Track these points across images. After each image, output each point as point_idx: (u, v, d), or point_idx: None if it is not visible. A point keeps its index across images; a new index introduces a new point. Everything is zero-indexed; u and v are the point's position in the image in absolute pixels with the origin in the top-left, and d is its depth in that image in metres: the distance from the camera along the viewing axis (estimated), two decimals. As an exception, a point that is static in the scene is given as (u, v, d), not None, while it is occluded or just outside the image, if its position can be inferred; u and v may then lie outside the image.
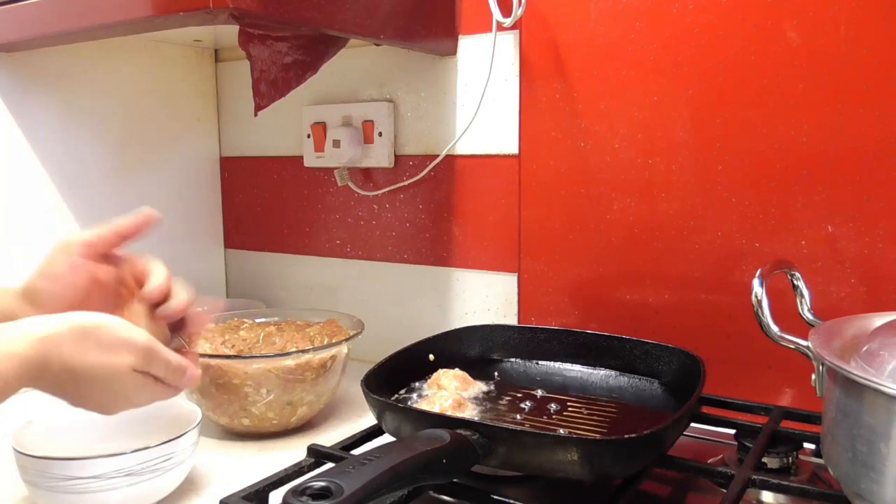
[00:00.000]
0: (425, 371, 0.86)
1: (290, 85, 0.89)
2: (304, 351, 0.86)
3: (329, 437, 0.86)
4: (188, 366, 0.60)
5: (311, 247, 1.24)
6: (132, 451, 0.65)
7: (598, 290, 0.96)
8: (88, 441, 0.74)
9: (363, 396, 0.71)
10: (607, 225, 0.95)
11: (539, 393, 0.83)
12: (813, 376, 0.62)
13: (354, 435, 0.75)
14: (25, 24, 0.91)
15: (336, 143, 1.12)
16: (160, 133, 1.23)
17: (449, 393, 0.79)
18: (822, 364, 0.61)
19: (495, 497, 0.61)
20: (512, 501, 0.60)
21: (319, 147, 1.16)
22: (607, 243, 0.95)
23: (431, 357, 0.88)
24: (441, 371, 0.84)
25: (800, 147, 0.82)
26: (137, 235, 0.65)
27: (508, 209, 1.02)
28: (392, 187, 1.12)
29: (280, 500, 0.49)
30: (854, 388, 0.55)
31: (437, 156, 1.07)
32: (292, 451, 0.81)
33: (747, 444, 0.72)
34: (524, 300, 1.02)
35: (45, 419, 0.74)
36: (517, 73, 0.99)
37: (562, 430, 0.72)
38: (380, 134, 1.11)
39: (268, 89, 0.86)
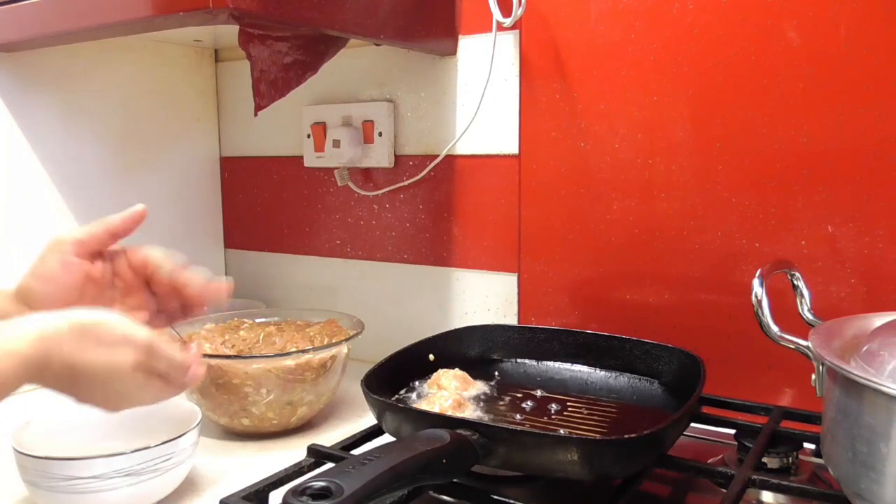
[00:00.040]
0: (425, 371, 0.86)
1: (290, 85, 0.89)
2: (304, 351, 0.86)
3: (329, 437, 0.86)
4: (191, 363, 0.60)
5: (311, 247, 1.24)
6: (132, 451, 0.65)
7: (598, 290, 0.96)
8: (88, 441, 0.74)
9: (363, 396, 0.71)
10: (607, 225, 0.95)
11: (539, 393, 0.83)
12: (813, 376, 0.62)
13: (354, 435, 0.75)
14: (25, 24, 0.91)
15: (336, 143, 1.12)
16: (160, 133, 1.23)
17: (449, 393, 0.79)
18: (822, 364, 0.61)
19: (495, 497, 0.61)
20: (512, 501, 0.60)
21: (319, 147, 1.16)
22: (607, 243, 0.95)
23: (431, 357, 0.88)
24: (441, 371, 0.84)
25: (800, 147, 0.82)
26: (129, 232, 0.65)
27: (508, 209, 1.02)
28: (392, 187, 1.12)
29: (280, 500, 0.49)
30: (854, 388, 0.55)
31: (437, 156, 1.07)
32: (292, 451, 0.81)
33: (747, 444, 0.72)
34: (524, 300, 1.02)
35: (45, 419, 0.74)
36: (517, 73, 0.99)
37: (562, 431, 0.72)
38: (380, 134, 1.11)
39: (268, 89, 0.86)
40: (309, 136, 1.18)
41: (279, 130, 1.24)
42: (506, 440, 0.62)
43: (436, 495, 0.67)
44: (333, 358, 0.88)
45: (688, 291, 0.90)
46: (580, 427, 0.73)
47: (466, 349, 0.93)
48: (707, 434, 0.82)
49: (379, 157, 1.11)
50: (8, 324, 0.52)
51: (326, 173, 1.19)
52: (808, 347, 0.61)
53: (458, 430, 0.61)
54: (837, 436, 0.57)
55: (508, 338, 0.94)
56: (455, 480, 0.62)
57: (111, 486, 0.65)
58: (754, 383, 0.86)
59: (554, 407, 0.79)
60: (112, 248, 0.66)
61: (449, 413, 0.74)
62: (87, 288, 0.63)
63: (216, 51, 1.30)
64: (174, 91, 1.24)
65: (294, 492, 0.48)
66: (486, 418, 0.76)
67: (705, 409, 0.80)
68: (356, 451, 0.70)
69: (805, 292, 0.72)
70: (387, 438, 0.70)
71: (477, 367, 0.88)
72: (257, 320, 1.01)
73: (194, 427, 0.71)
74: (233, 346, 0.90)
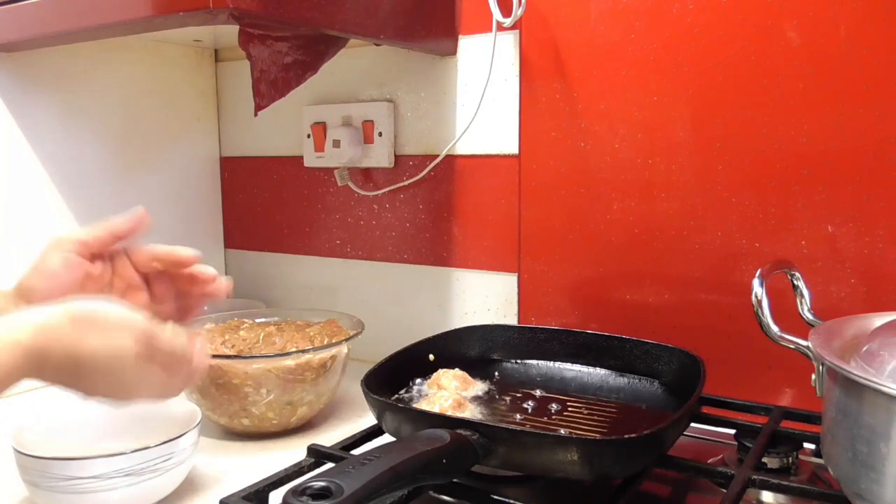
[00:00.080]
0: (425, 371, 0.86)
1: (290, 85, 0.89)
2: (304, 351, 0.86)
3: (329, 437, 0.86)
4: (194, 351, 0.59)
5: (311, 247, 1.24)
6: (132, 451, 0.65)
7: (598, 290, 0.96)
8: (88, 441, 0.74)
9: (363, 396, 0.71)
10: (607, 225, 0.95)
11: (539, 393, 0.83)
12: (813, 376, 0.62)
13: (354, 435, 0.75)
14: (25, 24, 0.91)
15: (336, 143, 1.12)
16: (160, 133, 1.23)
17: (449, 393, 0.79)
18: (822, 364, 0.61)
19: (495, 497, 0.61)
20: (512, 501, 0.60)
21: (319, 147, 1.16)
22: (607, 243, 0.95)
23: (431, 357, 0.88)
24: (441, 371, 0.84)
25: (800, 147, 0.82)
26: (131, 235, 0.65)
27: (508, 209, 1.02)
28: (392, 187, 1.12)
29: (280, 500, 0.49)
30: (854, 388, 0.55)
31: (437, 156, 1.07)
32: (292, 451, 0.81)
33: (747, 444, 0.72)
34: (524, 300, 1.02)
35: (45, 419, 0.74)
36: (517, 73, 0.99)
37: (562, 431, 0.72)
38: (380, 134, 1.11)
39: (268, 89, 0.86)
40: (309, 136, 1.18)
41: (279, 130, 1.24)
42: (506, 440, 0.62)
43: (436, 495, 0.67)
44: (333, 358, 0.88)
45: (688, 291, 0.90)
46: (580, 427, 0.73)
47: (466, 349, 0.93)
48: (707, 434, 0.82)
49: (379, 157, 1.11)
50: (6, 317, 0.52)
51: (326, 173, 1.19)
52: (808, 347, 0.61)
53: (458, 430, 0.61)
54: (837, 436, 0.57)
55: (508, 338, 0.94)
56: (455, 480, 0.62)
57: (111, 486, 0.65)
58: (754, 383, 0.86)
59: (554, 407, 0.79)
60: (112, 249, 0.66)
61: (449, 413, 0.74)
62: (88, 287, 0.63)
63: (216, 51, 1.30)
64: (174, 91, 1.24)
65: (294, 492, 0.48)
66: (486, 418, 0.76)
67: (705, 409, 0.80)
68: (356, 451, 0.70)
69: (805, 292, 0.72)
70: (387, 438, 0.70)
71: (477, 367, 0.88)
72: (257, 320, 1.01)
73: (194, 427, 0.71)
74: (233, 346, 0.90)
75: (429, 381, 0.84)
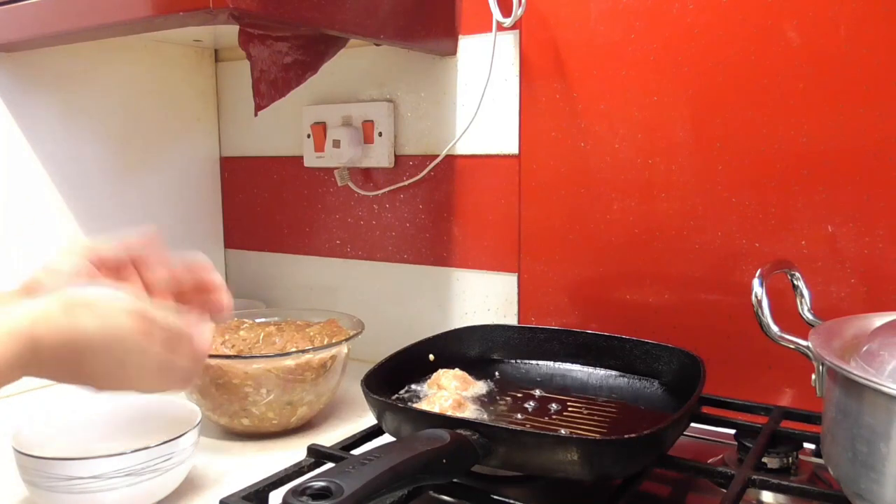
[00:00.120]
0: (425, 371, 0.86)
1: (290, 85, 0.89)
2: (304, 351, 0.86)
3: (329, 437, 0.86)
4: (193, 329, 0.58)
5: (311, 247, 1.24)
6: (132, 451, 0.65)
7: (598, 290, 0.96)
8: (88, 441, 0.74)
9: (363, 396, 0.71)
10: (607, 225, 0.95)
11: (539, 393, 0.83)
12: (813, 376, 0.62)
13: (354, 435, 0.75)
14: (25, 24, 0.91)
15: (336, 143, 1.12)
16: (160, 133, 1.23)
17: (449, 393, 0.79)
18: (822, 364, 0.61)
19: (495, 497, 0.61)
20: (512, 501, 0.60)
21: (319, 147, 1.16)
22: (607, 243, 0.95)
23: (431, 357, 0.88)
24: (441, 371, 0.84)
25: (800, 147, 0.82)
26: (143, 252, 0.64)
27: (508, 209, 1.02)
28: (392, 187, 1.12)
29: (280, 500, 0.49)
30: (854, 388, 0.55)
31: (437, 156, 1.07)
32: (292, 451, 0.81)
33: (747, 444, 0.72)
34: (524, 300, 1.02)
35: (45, 419, 0.74)
36: (517, 73, 0.99)
37: (562, 431, 0.72)
38: (380, 134, 1.11)
39: (268, 89, 0.86)
40: (309, 136, 1.18)
41: (279, 130, 1.24)
42: (506, 440, 0.62)
43: (436, 495, 0.67)
44: (333, 358, 0.88)
45: (688, 291, 0.90)
46: (580, 427, 0.73)
47: (466, 349, 0.93)
48: (707, 434, 0.82)
49: (379, 157, 1.11)
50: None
51: (326, 173, 1.19)
52: (808, 347, 0.61)
53: (458, 430, 0.61)
54: (837, 436, 0.57)
55: (508, 338, 0.94)
56: (455, 480, 0.62)
57: (111, 486, 0.65)
58: (754, 383, 0.86)
59: (554, 407, 0.79)
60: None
61: (449, 413, 0.74)
62: None
63: (216, 51, 1.30)
64: (174, 91, 1.24)
65: (294, 492, 0.48)
66: (486, 418, 0.76)
67: (705, 409, 0.80)
68: (356, 451, 0.70)
69: (805, 292, 0.72)
70: (387, 438, 0.70)
71: (477, 367, 0.88)
72: (257, 320, 1.01)
73: (194, 427, 0.71)
74: (233, 346, 0.90)
75: (429, 381, 0.84)
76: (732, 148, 0.86)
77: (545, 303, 1.01)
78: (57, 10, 0.88)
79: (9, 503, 0.71)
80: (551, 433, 0.70)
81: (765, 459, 0.71)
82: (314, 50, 0.91)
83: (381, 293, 1.16)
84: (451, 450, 0.58)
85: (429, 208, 1.10)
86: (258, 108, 0.86)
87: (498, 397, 0.82)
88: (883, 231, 0.79)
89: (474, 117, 1.02)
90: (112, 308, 0.54)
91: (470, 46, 1.03)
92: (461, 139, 1.05)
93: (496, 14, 0.96)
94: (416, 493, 0.66)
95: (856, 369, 0.54)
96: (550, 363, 0.91)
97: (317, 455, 0.70)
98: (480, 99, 1.01)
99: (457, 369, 0.84)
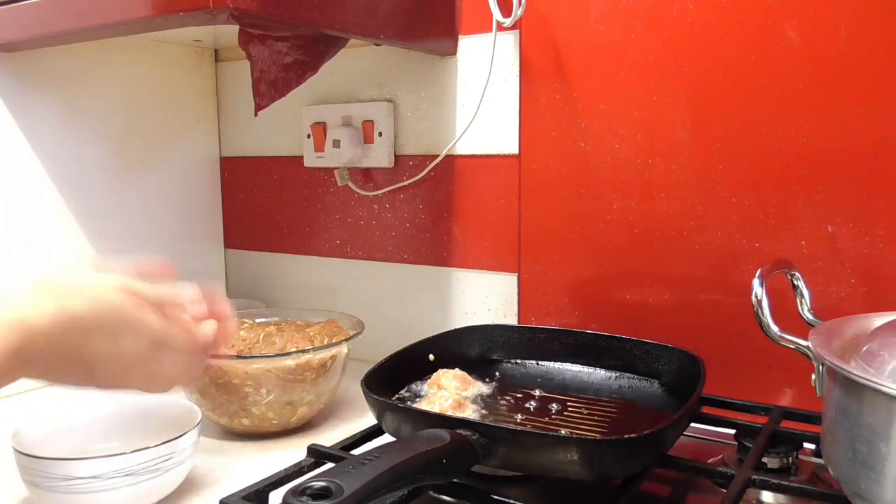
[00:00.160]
0: (425, 371, 0.86)
1: (290, 85, 0.89)
2: (304, 351, 0.86)
3: (329, 437, 0.86)
4: (184, 299, 0.57)
5: (311, 247, 1.24)
6: (132, 451, 0.65)
7: (598, 290, 0.96)
8: (88, 441, 0.74)
9: (363, 396, 0.71)
10: (607, 225, 0.95)
11: (539, 393, 0.83)
12: (813, 376, 0.62)
13: (354, 435, 0.75)
14: (25, 24, 0.91)
15: (336, 143, 1.12)
16: (160, 133, 1.23)
17: (449, 393, 0.79)
18: (822, 364, 0.61)
19: (495, 497, 0.61)
20: (512, 501, 0.60)
21: (319, 147, 1.16)
22: (607, 243, 0.95)
23: (431, 357, 0.88)
24: (441, 371, 0.84)
25: (800, 147, 0.82)
26: (157, 280, 0.61)
27: (508, 209, 1.02)
28: (392, 187, 1.12)
29: (280, 500, 0.49)
30: (854, 388, 0.55)
31: (437, 156, 1.07)
32: (292, 451, 0.81)
33: (747, 444, 0.72)
34: (524, 300, 1.02)
35: (45, 419, 0.74)
36: (517, 73, 0.99)
37: (563, 431, 0.72)
38: (380, 134, 1.11)
39: (268, 89, 0.86)
40: (309, 136, 1.18)
41: (279, 130, 1.24)
42: (506, 440, 0.62)
43: (436, 495, 0.67)
44: (333, 358, 0.88)
45: (688, 291, 0.90)
46: (580, 427, 0.73)
47: (466, 349, 0.93)
48: (707, 434, 0.82)
49: (379, 157, 1.11)
50: None
51: (326, 173, 1.19)
52: (808, 347, 0.61)
53: (458, 430, 0.61)
54: (837, 436, 0.57)
55: (508, 338, 0.94)
56: (455, 480, 0.62)
57: (111, 486, 0.65)
58: (754, 383, 0.86)
59: (554, 407, 0.79)
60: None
61: (449, 413, 0.74)
62: None
63: (216, 51, 1.30)
64: (174, 91, 1.24)
65: (294, 492, 0.48)
66: (486, 418, 0.76)
67: (705, 409, 0.80)
68: (356, 451, 0.70)
69: (805, 292, 0.72)
70: (387, 438, 0.70)
71: (477, 367, 0.88)
72: (257, 320, 1.01)
73: (194, 427, 0.71)
74: (233, 346, 0.90)
75: (429, 381, 0.84)
76: (732, 148, 0.86)
77: (545, 303, 1.01)
78: (57, 10, 0.88)
79: (9, 503, 0.71)
80: (551, 433, 0.70)
81: (765, 459, 0.71)
82: (314, 50, 0.91)
83: (381, 293, 1.16)
84: (451, 450, 0.58)
85: (429, 208, 1.10)
86: (258, 108, 0.86)
87: (498, 397, 0.82)
88: (883, 231, 0.79)
89: (474, 117, 1.02)
90: (99, 287, 0.53)
91: (470, 46, 1.03)
92: (461, 139, 1.05)
93: (496, 14, 0.96)
94: (416, 493, 0.66)
95: (856, 369, 0.54)
96: (550, 363, 0.91)
97: (317, 455, 0.70)
98: (480, 99, 1.01)
99: (457, 369, 0.84)
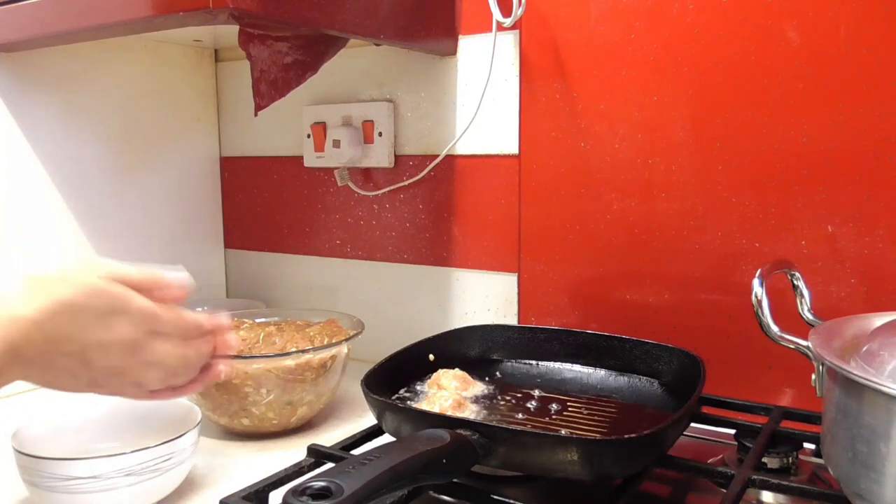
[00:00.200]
0: (425, 371, 0.86)
1: (290, 85, 0.89)
2: (304, 351, 0.86)
3: (329, 437, 0.86)
4: (169, 279, 0.56)
5: (311, 247, 1.24)
6: (132, 451, 0.65)
7: (598, 290, 0.96)
8: (88, 441, 0.74)
9: (363, 396, 0.71)
10: (607, 225, 0.95)
11: (539, 393, 0.83)
12: (813, 376, 0.62)
13: (354, 435, 0.75)
14: (25, 24, 0.91)
15: (336, 143, 1.12)
16: (160, 133, 1.23)
17: (449, 393, 0.79)
18: (822, 364, 0.61)
19: (495, 497, 0.61)
20: (512, 501, 0.60)
21: (319, 147, 1.16)
22: (607, 243, 0.95)
23: (431, 357, 0.88)
24: (441, 371, 0.84)
25: (800, 147, 0.82)
26: (171, 295, 0.59)
27: (508, 209, 1.02)
28: (392, 187, 1.12)
29: (280, 500, 0.49)
30: (854, 388, 0.55)
31: (437, 156, 1.07)
32: (292, 451, 0.81)
33: (747, 444, 0.72)
34: (524, 300, 1.02)
35: (45, 419, 0.74)
36: (517, 73, 0.99)
37: (563, 431, 0.72)
38: (380, 134, 1.11)
39: (268, 89, 0.86)
40: (309, 136, 1.18)
41: (279, 130, 1.24)
42: (506, 440, 0.62)
43: (436, 495, 0.67)
44: (333, 358, 0.88)
45: (688, 291, 0.90)
46: (580, 427, 0.73)
47: (466, 349, 0.93)
48: (707, 434, 0.82)
49: (379, 157, 1.11)
50: None
51: (326, 173, 1.19)
52: (808, 347, 0.61)
53: (458, 430, 0.61)
54: (837, 436, 0.57)
55: (508, 338, 0.94)
56: (455, 480, 0.62)
57: (111, 486, 0.65)
58: (754, 383, 0.86)
59: (554, 407, 0.79)
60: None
61: (449, 413, 0.74)
62: None
63: (216, 51, 1.30)
64: (174, 91, 1.24)
65: (294, 492, 0.48)
66: (486, 418, 0.76)
67: (705, 409, 0.80)
68: (356, 451, 0.70)
69: (805, 292, 0.72)
70: (387, 438, 0.70)
71: (477, 367, 0.88)
72: (257, 320, 1.01)
73: (194, 427, 0.71)
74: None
75: (429, 381, 0.84)
76: (732, 148, 0.86)
77: (545, 303, 1.01)
78: (57, 10, 0.88)
79: (9, 503, 0.71)
80: (551, 433, 0.70)
81: (765, 459, 0.71)
82: (314, 50, 0.91)
83: (381, 293, 1.16)
84: (451, 450, 0.58)
85: (429, 208, 1.10)
86: (258, 108, 0.86)
87: (498, 397, 0.82)
88: (883, 231, 0.79)
89: (474, 117, 1.02)
90: (85, 275, 0.53)
91: (470, 46, 1.03)
92: (461, 139, 1.05)
93: (496, 14, 0.96)
94: (416, 493, 0.66)
95: (856, 369, 0.54)
96: (550, 363, 0.91)
97: (317, 455, 0.70)
98: (480, 99, 1.01)
99: (457, 369, 0.84)
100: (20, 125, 1.04)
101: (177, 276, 0.59)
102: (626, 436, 0.61)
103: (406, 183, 1.11)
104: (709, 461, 0.74)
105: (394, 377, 0.82)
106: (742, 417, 0.78)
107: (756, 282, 0.67)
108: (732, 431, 0.77)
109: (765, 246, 0.85)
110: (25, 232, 1.05)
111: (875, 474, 0.53)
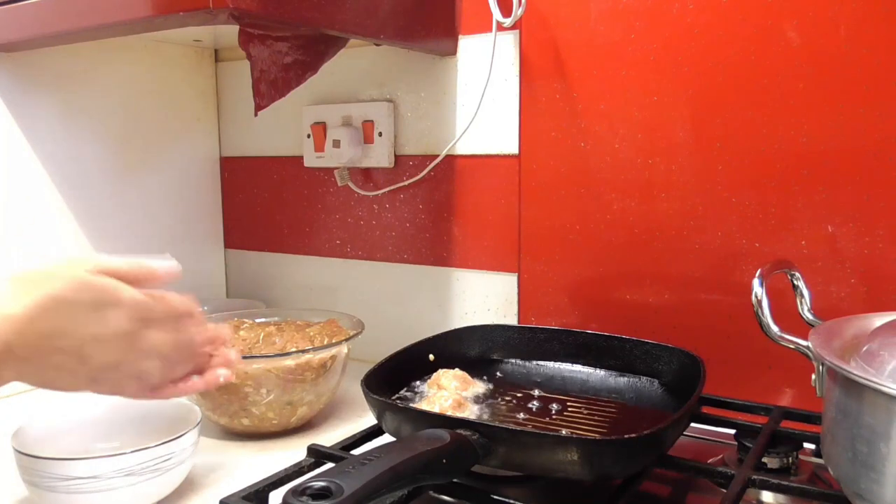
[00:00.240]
0: (425, 371, 0.86)
1: (290, 85, 0.89)
2: (304, 351, 0.86)
3: (329, 437, 0.86)
4: (157, 268, 0.56)
5: (311, 247, 1.24)
6: (132, 451, 0.65)
7: (598, 290, 0.96)
8: (88, 441, 0.74)
9: (363, 396, 0.71)
10: (607, 225, 0.95)
11: (539, 393, 0.83)
12: (813, 376, 0.62)
13: (354, 435, 0.75)
14: (25, 24, 0.91)
15: (336, 143, 1.12)
16: (160, 133, 1.23)
17: (449, 393, 0.79)
18: (822, 364, 0.61)
19: (495, 497, 0.61)
20: (512, 501, 0.60)
21: (319, 147, 1.16)
22: (607, 243, 0.95)
23: (431, 357, 0.88)
24: (441, 371, 0.84)
25: (800, 147, 0.82)
26: (159, 284, 0.60)
27: (508, 209, 1.02)
28: (392, 187, 1.12)
29: (280, 500, 0.49)
30: (854, 388, 0.55)
31: (437, 156, 1.07)
32: (292, 451, 0.81)
33: (747, 444, 0.72)
34: (524, 300, 1.02)
35: (44, 419, 0.74)
36: (517, 73, 0.99)
37: (563, 431, 0.72)
38: (380, 134, 1.11)
39: (268, 89, 0.86)
40: (309, 136, 1.18)
41: (279, 130, 1.24)
42: (506, 440, 0.62)
43: (436, 495, 0.67)
44: (333, 358, 0.88)
45: (688, 291, 0.90)
46: (580, 427, 0.73)
47: (466, 349, 0.93)
48: (707, 434, 0.82)
49: (379, 157, 1.11)
50: None
51: (326, 173, 1.19)
52: (808, 347, 0.61)
53: (458, 430, 0.61)
54: (837, 436, 0.57)
55: (508, 338, 0.94)
56: (455, 480, 0.62)
57: (111, 486, 0.65)
58: (754, 383, 0.86)
59: (554, 407, 0.79)
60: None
61: (449, 413, 0.74)
62: None
63: (216, 51, 1.30)
64: (174, 91, 1.24)
65: (294, 492, 0.48)
66: (486, 418, 0.76)
67: (705, 409, 0.80)
68: (356, 451, 0.70)
69: (805, 292, 0.72)
70: (387, 438, 0.70)
71: (477, 367, 0.88)
72: (257, 320, 1.01)
73: (194, 427, 0.71)
74: (233, 346, 0.90)
75: (429, 381, 0.84)
76: (732, 148, 0.86)
77: (545, 303, 1.01)
78: (57, 10, 0.88)
79: (9, 503, 0.71)
80: (551, 433, 0.70)
81: (765, 459, 0.71)
82: (314, 50, 0.91)
83: (381, 293, 1.16)
84: (451, 450, 0.58)
85: (429, 208, 1.10)
86: (258, 108, 0.86)
87: (498, 397, 0.82)
88: (883, 231, 0.79)
89: (474, 117, 1.02)
90: (73, 269, 0.53)
91: (470, 46, 1.03)
92: (461, 139, 1.05)
93: (496, 14, 0.96)
94: (416, 493, 0.66)
95: (856, 369, 0.54)
96: (550, 363, 0.91)
97: (317, 455, 0.70)
98: (480, 99, 1.01)
99: (457, 369, 0.84)
100: (20, 125, 1.04)
101: (163, 264, 0.59)
102: (626, 436, 0.61)
103: (406, 183, 1.11)
104: (709, 461, 0.74)
105: (394, 377, 0.82)
106: (742, 417, 0.78)
107: (756, 282, 0.67)
108: (732, 431, 0.77)
109: (765, 246, 0.85)
110: (25, 232, 1.05)
111: (875, 474, 0.53)
